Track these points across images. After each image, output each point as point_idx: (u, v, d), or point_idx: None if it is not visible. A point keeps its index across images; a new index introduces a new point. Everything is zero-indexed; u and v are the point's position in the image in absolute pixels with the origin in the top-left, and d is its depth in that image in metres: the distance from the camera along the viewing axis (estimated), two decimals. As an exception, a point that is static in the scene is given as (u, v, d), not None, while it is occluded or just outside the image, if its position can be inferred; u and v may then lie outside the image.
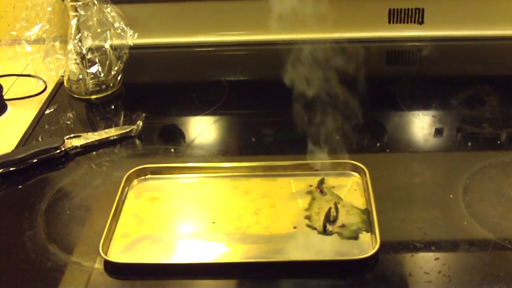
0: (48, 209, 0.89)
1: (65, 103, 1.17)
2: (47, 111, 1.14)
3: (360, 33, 1.33)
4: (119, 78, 1.20)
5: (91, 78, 1.16)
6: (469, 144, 1.00)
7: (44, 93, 1.19)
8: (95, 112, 1.16)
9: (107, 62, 1.17)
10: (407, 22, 1.33)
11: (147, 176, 0.93)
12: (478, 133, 1.02)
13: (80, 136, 1.03)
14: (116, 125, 1.08)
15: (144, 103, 1.16)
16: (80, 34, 1.14)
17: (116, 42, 1.17)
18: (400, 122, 1.09)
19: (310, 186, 0.89)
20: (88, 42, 1.15)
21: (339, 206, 0.85)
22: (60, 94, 1.19)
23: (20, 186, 0.95)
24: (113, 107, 1.16)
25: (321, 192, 0.88)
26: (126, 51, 1.18)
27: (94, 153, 1.01)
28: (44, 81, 1.22)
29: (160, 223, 0.84)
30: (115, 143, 1.03)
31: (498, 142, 1.00)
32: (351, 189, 0.89)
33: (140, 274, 0.77)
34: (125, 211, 0.87)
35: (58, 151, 0.99)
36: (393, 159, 0.98)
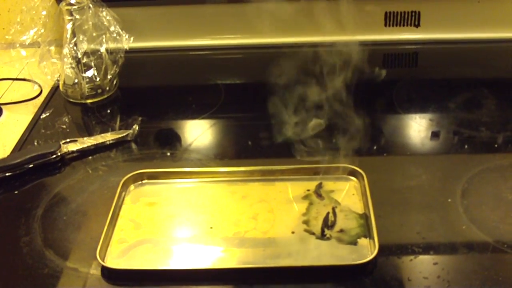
0: (45, 214, 0.88)
1: (60, 108, 1.17)
2: (43, 116, 1.13)
3: (357, 36, 1.32)
4: (115, 82, 1.19)
5: (87, 82, 1.16)
6: (467, 147, 1.00)
7: (40, 97, 1.19)
8: (91, 116, 1.15)
9: (103, 66, 1.17)
10: (404, 25, 1.33)
11: (144, 181, 0.92)
12: (475, 136, 1.02)
13: (76, 140, 1.02)
14: (112, 129, 1.07)
15: (140, 107, 1.15)
16: (75, 38, 1.14)
17: (112, 46, 1.17)
18: (397, 125, 1.09)
19: (308, 190, 0.89)
20: (84, 46, 1.14)
21: (337, 210, 0.85)
22: (55, 99, 1.19)
23: (16, 192, 0.94)
24: (109, 111, 1.16)
25: (319, 196, 0.88)
26: (122, 55, 1.17)
27: (90, 158, 1.01)
28: (39, 85, 1.22)
29: (158, 229, 0.84)
30: (111, 148, 1.03)
31: (496, 145, 1.00)
32: (348, 193, 0.88)
33: (137, 280, 0.77)
34: (122, 216, 0.86)
35: (54, 156, 0.98)
36: (390, 163, 0.98)
